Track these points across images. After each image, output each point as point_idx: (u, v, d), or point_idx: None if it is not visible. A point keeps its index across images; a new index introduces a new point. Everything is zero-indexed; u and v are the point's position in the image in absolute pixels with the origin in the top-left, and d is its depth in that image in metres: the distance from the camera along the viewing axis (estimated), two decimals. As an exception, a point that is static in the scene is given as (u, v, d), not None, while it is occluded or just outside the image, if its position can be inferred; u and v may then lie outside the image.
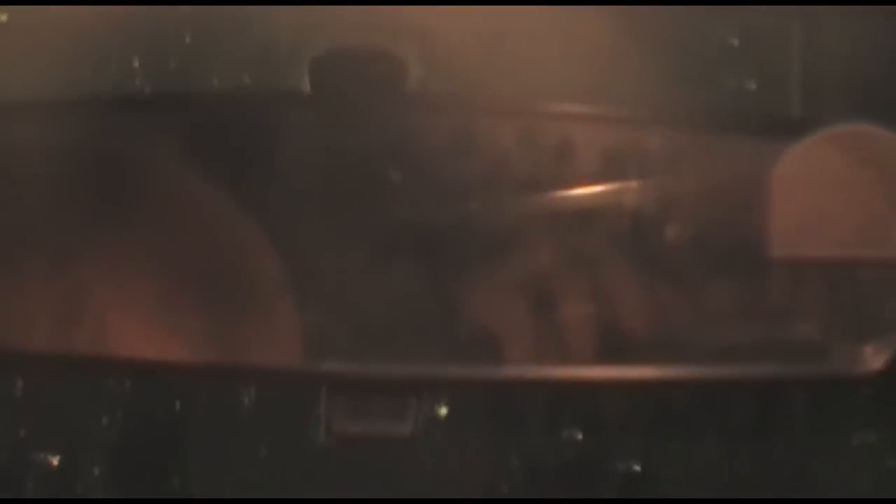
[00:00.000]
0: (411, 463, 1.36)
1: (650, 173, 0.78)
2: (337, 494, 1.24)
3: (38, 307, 0.80)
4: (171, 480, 1.39)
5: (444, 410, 1.18)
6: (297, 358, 0.78)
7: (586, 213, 0.80)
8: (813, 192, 0.75)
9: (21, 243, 0.79)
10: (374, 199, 0.80)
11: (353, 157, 0.80)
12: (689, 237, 0.78)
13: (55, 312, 0.80)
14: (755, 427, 1.44)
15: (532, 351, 0.78)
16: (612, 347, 0.78)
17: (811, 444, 1.46)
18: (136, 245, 0.80)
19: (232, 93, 1.12)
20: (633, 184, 0.81)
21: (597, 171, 0.81)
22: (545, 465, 1.52)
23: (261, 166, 0.81)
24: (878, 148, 0.75)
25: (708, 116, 0.82)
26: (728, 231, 0.77)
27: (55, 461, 1.40)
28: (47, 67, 1.11)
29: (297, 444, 1.18)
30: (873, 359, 0.79)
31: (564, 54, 1.15)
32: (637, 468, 1.38)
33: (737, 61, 1.30)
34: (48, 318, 0.79)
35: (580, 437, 1.37)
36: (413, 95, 0.85)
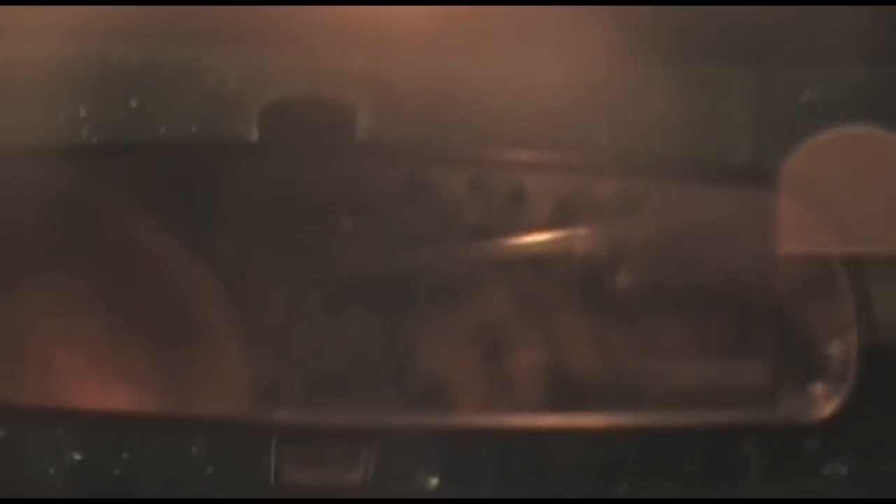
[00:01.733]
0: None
1: (600, 220, 0.79)
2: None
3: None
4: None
5: (396, 461, 1.16)
6: (247, 407, 0.78)
7: (536, 261, 0.79)
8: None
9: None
10: (324, 247, 0.79)
11: (303, 205, 0.79)
12: (640, 283, 0.78)
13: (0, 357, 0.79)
14: (707, 475, 1.45)
15: (482, 399, 0.77)
16: (563, 395, 0.78)
17: (761, 489, 1.48)
18: (82, 290, 0.79)
19: (181, 141, 1.11)
20: (584, 230, 0.81)
21: (547, 217, 0.81)
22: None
23: (210, 214, 0.80)
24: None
25: (658, 164, 0.82)
26: (679, 276, 0.77)
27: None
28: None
29: (247, 493, 1.16)
30: (822, 405, 0.80)
31: (519, 100, 1.15)
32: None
33: (686, 110, 1.32)
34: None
35: (526, 483, 1.37)
36: (363, 144, 0.85)
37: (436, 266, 0.79)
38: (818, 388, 0.80)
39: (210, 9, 0.97)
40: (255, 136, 0.80)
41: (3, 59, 1.19)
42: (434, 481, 1.29)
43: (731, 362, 0.79)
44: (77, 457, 1.32)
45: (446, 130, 1.06)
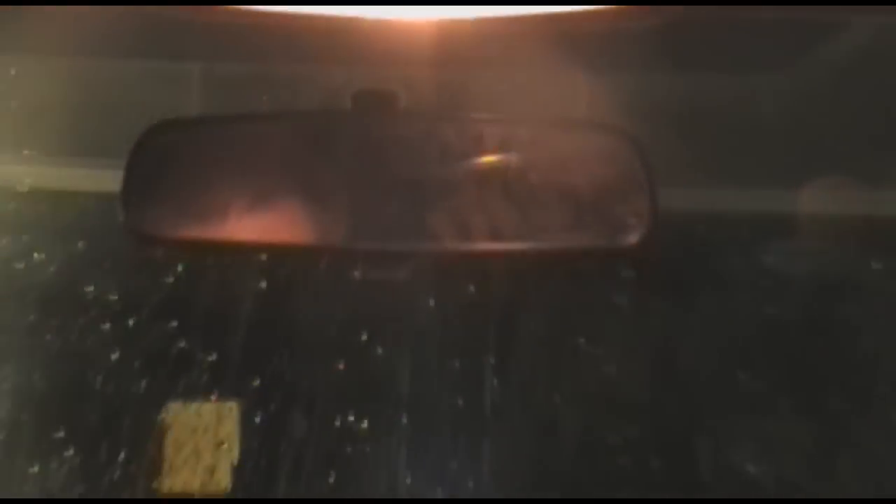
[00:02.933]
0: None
1: (514, 148, 1.55)
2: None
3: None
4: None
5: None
6: (342, 239, 1.53)
7: (488, 165, 1.57)
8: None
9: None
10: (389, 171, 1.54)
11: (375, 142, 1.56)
12: (533, 179, 1.54)
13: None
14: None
15: (462, 233, 1.55)
16: (498, 231, 1.54)
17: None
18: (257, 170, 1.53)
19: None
20: (515, 155, 1.58)
21: (496, 147, 1.58)
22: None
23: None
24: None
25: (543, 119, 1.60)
26: (551, 172, 1.54)
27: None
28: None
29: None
30: (634, 236, 1.54)
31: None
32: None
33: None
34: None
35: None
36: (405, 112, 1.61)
37: (441, 169, 1.55)
38: (632, 228, 1.55)
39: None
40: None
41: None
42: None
43: (584, 213, 1.56)
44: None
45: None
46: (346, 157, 1.56)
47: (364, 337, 2.64)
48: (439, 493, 2.72)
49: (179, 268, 2.53)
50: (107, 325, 2.56)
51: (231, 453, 3.10)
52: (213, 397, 2.78)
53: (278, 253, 1.77)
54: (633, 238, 1.55)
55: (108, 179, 1.60)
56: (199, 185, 1.55)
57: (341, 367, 2.68)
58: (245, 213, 1.52)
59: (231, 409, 3.10)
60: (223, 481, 3.05)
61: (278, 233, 1.53)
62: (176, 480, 2.94)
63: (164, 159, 1.52)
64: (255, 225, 1.53)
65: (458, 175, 1.58)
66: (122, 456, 2.63)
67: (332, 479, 2.73)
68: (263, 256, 2.13)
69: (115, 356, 2.59)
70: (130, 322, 2.57)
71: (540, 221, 1.56)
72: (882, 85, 2.38)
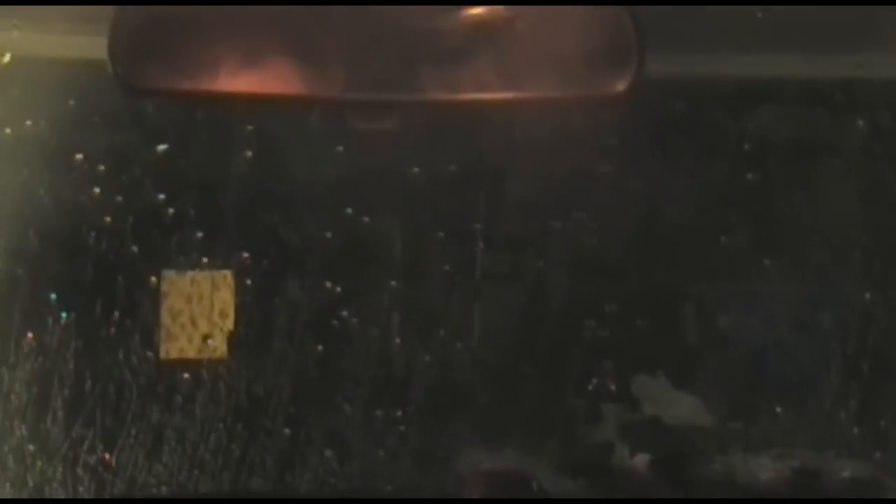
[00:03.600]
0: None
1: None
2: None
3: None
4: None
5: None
6: (332, 90, 1.56)
7: (474, 22, 1.59)
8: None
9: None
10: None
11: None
12: (528, 32, 1.54)
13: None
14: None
15: (451, 83, 1.57)
16: (487, 81, 1.56)
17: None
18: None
19: None
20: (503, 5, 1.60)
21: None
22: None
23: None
24: None
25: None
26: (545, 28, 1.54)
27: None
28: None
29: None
30: (622, 82, 1.55)
31: None
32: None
33: None
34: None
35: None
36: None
37: (430, 19, 1.55)
38: (619, 76, 1.56)
39: None
40: None
41: None
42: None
43: (571, 62, 1.58)
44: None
45: None
46: (336, 7, 1.58)
47: (354, 196, 2.70)
48: (427, 359, 2.78)
49: (170, 126, 2.56)
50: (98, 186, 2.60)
51: (227, 321, 3.15)
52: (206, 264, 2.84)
53: (268, 104, 1.79)
54: (620, 86, 1.55)
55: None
56: (188, 37, 1.55)
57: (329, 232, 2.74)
58: (234, 65, 1.53)
59: (226, 278, 3.14)
60: (219, 348, 3.11)
61: (268, 84, 1.54)
62: (172, 347, 3.00)
63: (152, 12, 1.52)
64: (244, 76, 1.54)
65: (444, 25, 1.60)
66: (117, 320, 2.69)
67: (320, 348, 2.79)
68: (253, 108, 2.16)
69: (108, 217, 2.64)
70: (124, 179, 2.61)
71: (526, 72, 1.58)
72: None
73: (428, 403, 2.74)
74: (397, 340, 2.80)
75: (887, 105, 2.67)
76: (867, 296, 2.67)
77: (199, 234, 2.76)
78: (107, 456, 2.60)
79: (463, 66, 1.58)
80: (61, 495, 2.54)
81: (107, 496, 2.56)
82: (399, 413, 2.73)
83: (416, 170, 2.66)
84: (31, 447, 2.56)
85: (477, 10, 1.61)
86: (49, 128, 2.53)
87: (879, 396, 2.61)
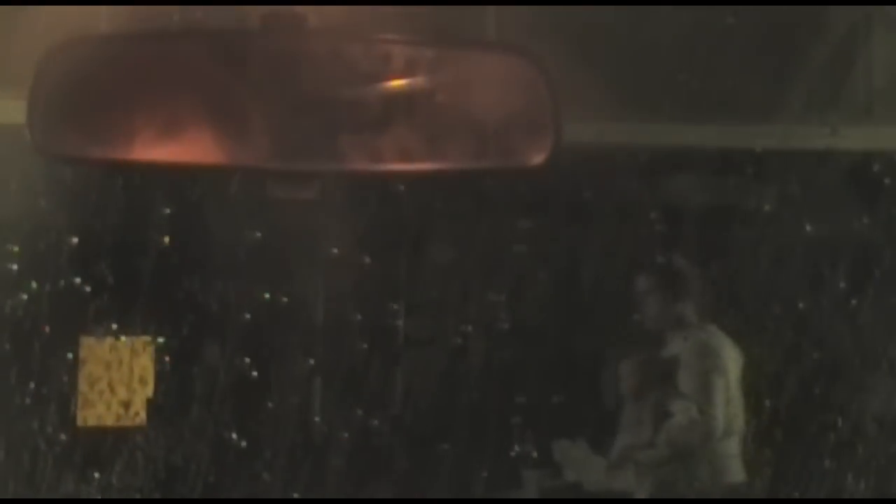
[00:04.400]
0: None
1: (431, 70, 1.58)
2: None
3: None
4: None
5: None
6: (252, 159, 1.55)
7: (393, 93, 1.60)
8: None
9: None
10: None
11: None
12: (447, 104, 1.56)
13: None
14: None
15: (370, 153, 1.58)
16: (406, 152, 1.57)
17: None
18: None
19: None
20: (422, 75, 1.62)
21: (403, 67, 1.61)
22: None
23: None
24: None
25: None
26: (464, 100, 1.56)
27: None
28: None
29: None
30: (538, 156, 1.57)
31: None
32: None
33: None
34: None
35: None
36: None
37: (350, 89, 1.57)
38: (537, 149, 1.58)
39: None
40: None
41: None
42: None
43: (490, 134, 1.60)
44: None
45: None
46: (256, 75, 1.57)
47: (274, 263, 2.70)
48: (347, 426, 2.77)
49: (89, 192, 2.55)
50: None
51: (146, 388, 3.10)
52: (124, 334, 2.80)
53: (188, 172, 1.79)
54: (537, 159, 1.55)
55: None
56: (107, 104, 1.54)
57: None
58: (154, 132, 1.52)
59: (145, 345, 3.11)
60: (139, 415, 3.06)
61: (188, 152, 1.54)
62: (90, 413, 2.95)
63: (71, 78, 1.50)
64: (164, 144, 1.53)
65: (366, 95, 1.60)
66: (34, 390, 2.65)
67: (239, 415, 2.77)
68: (172, 176, 2.16)
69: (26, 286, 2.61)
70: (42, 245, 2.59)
71: (446, 142, 1.58)
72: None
73: (347, 469, 2.74)
74: (316, 407, 2.80)
75: (796, 173, 2.75)
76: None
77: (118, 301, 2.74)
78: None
79: (384, 135, 1.58)
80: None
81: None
82: (317, 480, 2.72)
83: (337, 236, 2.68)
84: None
85: (398, 82, 1.62)
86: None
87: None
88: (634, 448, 2.78)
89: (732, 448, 2.78)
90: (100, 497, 2.58)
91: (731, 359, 2.78)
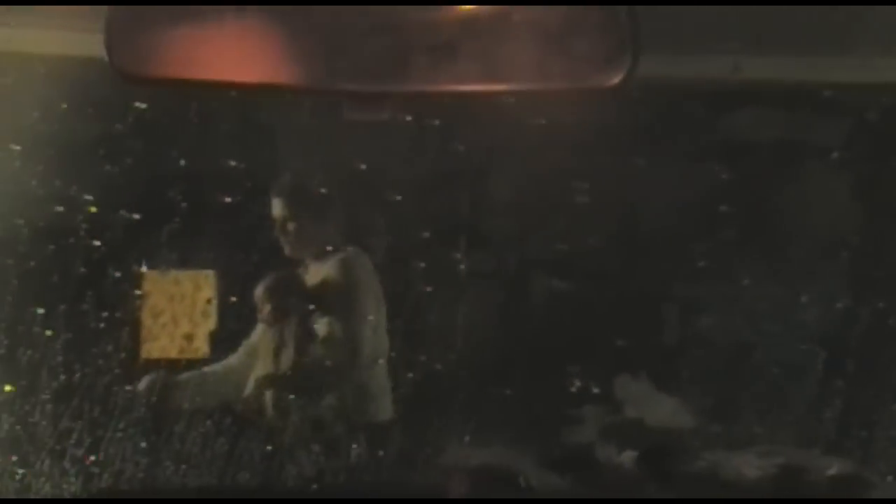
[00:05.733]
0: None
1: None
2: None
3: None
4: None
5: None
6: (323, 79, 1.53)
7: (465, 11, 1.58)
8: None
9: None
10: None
11: None
12: (521, 23, 1.53)
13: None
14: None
15: (443, 73, 1.56)
16: (478, 72, 1.54)
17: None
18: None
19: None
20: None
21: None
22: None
23: None
24: None
25: None
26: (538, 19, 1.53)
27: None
28: None
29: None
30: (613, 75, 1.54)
31: None
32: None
33: None
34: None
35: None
36: None
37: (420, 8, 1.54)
38: (613, 69, 1.55)
39: None
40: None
41: None
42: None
43: (564, 52, 1.57)
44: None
45: None
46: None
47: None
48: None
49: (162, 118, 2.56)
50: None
51: (209, 321, 3.11)
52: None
53: (260, 92, 1.78)
54: (614, 79, 1.54)
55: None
56: (182, 26, 1.55)
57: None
58: (226, 52, 1.53)
59: (208, 278, 3.11)
60: (201, 348, 3.07)
61: (261, 72, 1.54)
62: (154, 346, 2.97)
63: (146, 8, 1.53)
64: (236, 64, 1.55)
65: (440, 19, 1.60)
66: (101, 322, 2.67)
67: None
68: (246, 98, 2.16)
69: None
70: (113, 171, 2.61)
71: (521, 61, 1.57)
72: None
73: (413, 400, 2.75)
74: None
75: (872, 106, 2.71)
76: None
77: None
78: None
79: (457, 58, 1.57)
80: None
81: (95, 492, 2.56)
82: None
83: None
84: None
85: (470, 8, 1.61)
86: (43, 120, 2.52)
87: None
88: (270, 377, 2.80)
89: (381, 379, 2.83)
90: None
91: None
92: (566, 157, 2.67)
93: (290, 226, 2.77)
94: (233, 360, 2.91)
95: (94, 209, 2.61)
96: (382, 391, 2.84)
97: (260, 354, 2.87)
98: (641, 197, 2.90)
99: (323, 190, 2.70)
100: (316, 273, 2.83)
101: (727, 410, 2.74)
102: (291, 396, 2.77)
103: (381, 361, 2.81)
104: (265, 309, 2.82)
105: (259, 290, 2.82)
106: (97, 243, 2.66)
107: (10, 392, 2.56)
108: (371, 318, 2.78)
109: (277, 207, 2.77)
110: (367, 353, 2.77)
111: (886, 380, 2.70)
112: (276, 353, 2.83)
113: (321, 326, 2.79)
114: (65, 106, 2.48)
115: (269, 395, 2.82)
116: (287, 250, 2.79)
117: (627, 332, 2.87)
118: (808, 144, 2.83)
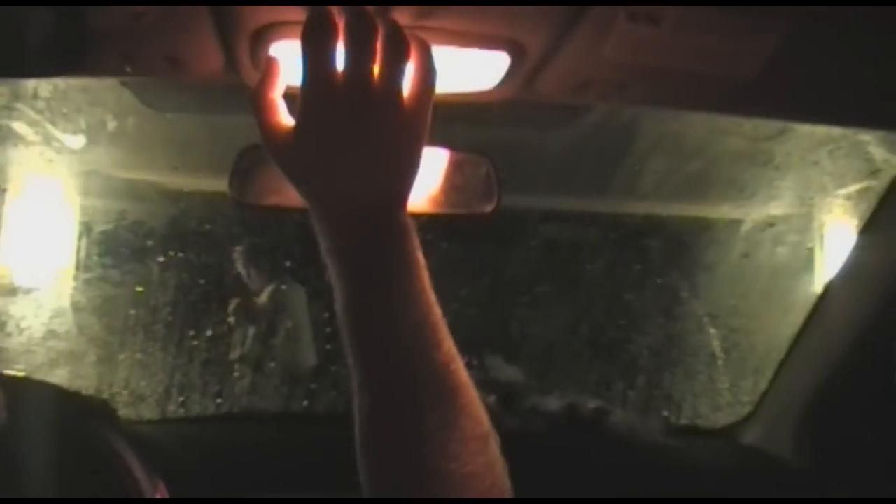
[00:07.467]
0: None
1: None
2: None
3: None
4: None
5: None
6: None
7: None
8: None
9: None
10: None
11: None
12: (439, 176, 1.53)
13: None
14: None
15: None
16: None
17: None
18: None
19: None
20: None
21: None
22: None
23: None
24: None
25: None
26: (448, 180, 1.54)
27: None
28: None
29: None
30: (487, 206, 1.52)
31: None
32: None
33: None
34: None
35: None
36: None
37: None
38: (487, 203, 1.58)
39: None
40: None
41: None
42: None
43: (461, 192, 1.57)
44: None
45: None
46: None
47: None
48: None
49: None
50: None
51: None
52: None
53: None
54: (487, 207, 1.65)
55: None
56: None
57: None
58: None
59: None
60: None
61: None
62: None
63: (255, 159, 1.58)
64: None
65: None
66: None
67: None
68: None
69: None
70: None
71: (436, 197, 1.61)
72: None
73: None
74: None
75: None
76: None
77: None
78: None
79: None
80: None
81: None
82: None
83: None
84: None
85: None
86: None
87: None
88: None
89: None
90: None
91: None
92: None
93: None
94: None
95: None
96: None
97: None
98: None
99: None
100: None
101: (543, 374, 4.23)
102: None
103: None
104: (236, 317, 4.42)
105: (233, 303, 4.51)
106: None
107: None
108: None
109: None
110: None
111: (625, 358, 4.24)
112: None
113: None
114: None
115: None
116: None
117: (491, 332, 4.40)
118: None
